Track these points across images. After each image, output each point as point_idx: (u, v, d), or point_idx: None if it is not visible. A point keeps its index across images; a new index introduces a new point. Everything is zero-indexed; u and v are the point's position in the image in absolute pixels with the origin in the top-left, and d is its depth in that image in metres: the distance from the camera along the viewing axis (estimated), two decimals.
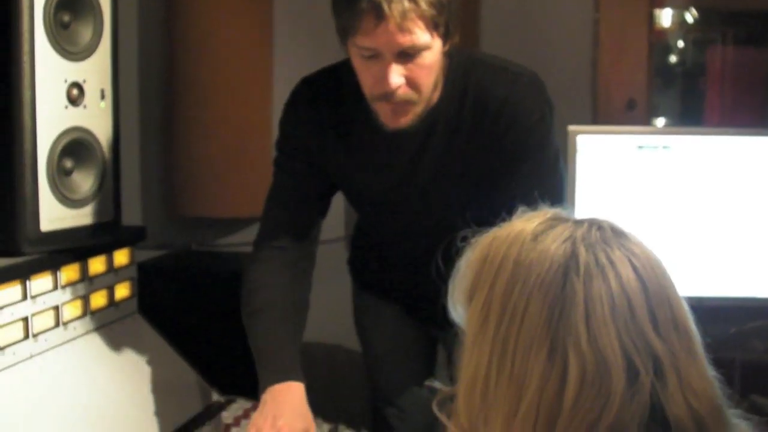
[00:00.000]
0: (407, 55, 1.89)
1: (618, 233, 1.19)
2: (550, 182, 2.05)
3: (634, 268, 1.14)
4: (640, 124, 3.22)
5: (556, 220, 1.21)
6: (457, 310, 1.26)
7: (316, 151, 2.16)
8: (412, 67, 1.91)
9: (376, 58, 1.90)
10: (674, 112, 3.58)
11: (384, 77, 1.90)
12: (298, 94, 2.19)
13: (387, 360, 2.52)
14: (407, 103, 1.95)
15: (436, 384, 1.35)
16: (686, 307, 1.18)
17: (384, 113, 1.98)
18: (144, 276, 2.57)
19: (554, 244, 1.16)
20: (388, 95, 1.92)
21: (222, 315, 3.05)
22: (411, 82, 1.93)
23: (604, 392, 1.09)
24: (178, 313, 2.82)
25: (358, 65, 1.96)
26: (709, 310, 1.23)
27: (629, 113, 3.31)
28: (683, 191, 2.62)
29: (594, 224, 1.19)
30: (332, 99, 2.14)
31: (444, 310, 1.32)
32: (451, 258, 1.31)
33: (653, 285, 1.14)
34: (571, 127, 2.62)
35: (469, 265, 1.23)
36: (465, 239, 1.27)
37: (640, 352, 1.10)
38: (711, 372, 1.18)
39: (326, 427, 2.33)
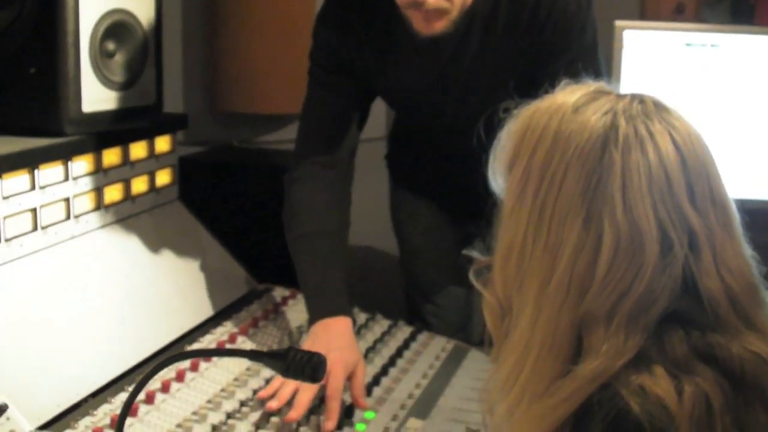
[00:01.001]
0: None
1: (660, 107, 1.18)
2: (590, 71, 2.02)
3: (674, 142, 1.14)
4: None
5: (599, 93, 1.21)
6: (497, 180, 1.27)
7: (350, 60, 2.14)
8: None
9: None
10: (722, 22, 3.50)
11: None
12: (329, 4, 2.16)
13: (422, 254, 2.53)
14: (439, 11, 1.91)
15: (474, 253, 1.35)
16: (725, 184, 1.17)
17: (416, 21, 1.94)
18: (185, 170, 2.58)
19: (595, 115, 1.16)
20: (418, 3, 1.88)
21: (262, 208, 3.07)
22: None
23: (636, 262, 1.10)
24: (218, 206, 2.83)
25: None
26: (751, 213, 1.22)
27: (677, 16, 3.25)
28: (730, 91, 2.57)
29: (636, 98, 1.19)
30: (364, 6, 2.10)
31: (480, 201, 1.32)
32: (493, 129, 1.31)
33: (692, 159, 1.14)
34: (618, 22, 2.57)
35: (510, 136, 1.24)
36: (507, 110, 1.27)
37: (675, 224, 1.11)
38: (748, 251, 1.19)
39: (363, 316, 2.35)
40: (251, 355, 1.43)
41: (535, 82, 1.35)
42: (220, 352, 2.06)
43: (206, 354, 2.01)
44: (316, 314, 2.05)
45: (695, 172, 1.14)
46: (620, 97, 1.19)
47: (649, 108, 1.17)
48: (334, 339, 1.97)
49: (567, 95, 1.21)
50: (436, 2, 1.89)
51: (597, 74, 2.02)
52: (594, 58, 2.06)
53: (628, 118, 1.15)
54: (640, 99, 1.18)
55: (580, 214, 1.13)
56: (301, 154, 2.20)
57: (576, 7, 2.00)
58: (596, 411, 1.08)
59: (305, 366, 1.38)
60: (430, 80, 2.13)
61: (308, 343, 1.98)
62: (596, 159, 1.13)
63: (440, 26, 1.93)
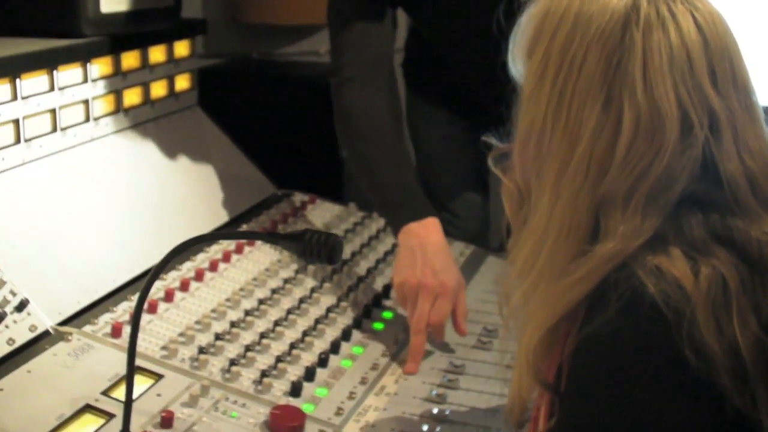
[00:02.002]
0: None
1: None
2: None
3: (696, 22, 1.13)
4: None
5: None
6: (516, 66, 1.26)
7: None
8: None
9: None
10: None
11: None
12: None
13: (440, 161, 2.52)
14: None
15: (493, 140, 1.35)
16: (748, 68, 1.16)
17: None
18: (204, 81, 2.56)
19: (614, 5, 1.14)
20: None
21: (281, 119, 3.07)
22: None
23: (656, 143, 1.10)
24: (237, 115, 2.81)
25: None
26: None
27: None
28: None
29: None
30: None
31: (499, 105, 1.32)
32: (512, 14, 1.29)
33: (714, 40, 1.13)
34: None
35: (530, 20, 1.23)
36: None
37: (696, 105, 1.10)
38: None
39: (382, 221, 2.36)
40: (267, 237, 1.43)
41: None
42: (237, 234, 2.06)
43: (223, 237, 2.01)
44: (399, 220, 1.97)
45: (717, 53, 1.13)
46: None
47: None
48: (433, 257, 1.89)
49: None
50: None
51: None
52: None
53: None
54: None
55: (600, 97, 1.12)
56: (343, 54, 2.11)
57: None
58: (612, 291, 1.08)
59: (322, 247, 1.37)
60: None
61: (403, 261, 1.91)
62: (617, 40, 1.12)
63: None
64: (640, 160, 1.10)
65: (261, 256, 2.06)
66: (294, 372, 1.70)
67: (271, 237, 1.42)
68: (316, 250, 1.37)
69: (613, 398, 1.08)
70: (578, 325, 1.14)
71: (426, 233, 1.94)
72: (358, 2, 2.10)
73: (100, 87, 2.12)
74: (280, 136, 2.83)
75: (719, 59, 1.13)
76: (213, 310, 1.82)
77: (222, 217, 2.24)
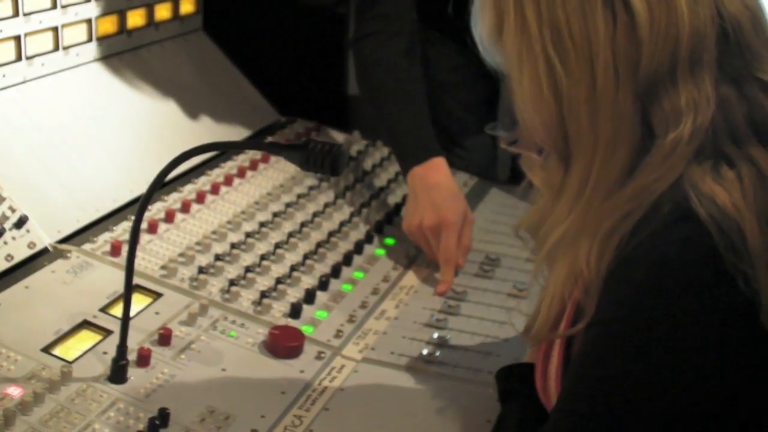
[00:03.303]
0: None
1: None
2: None
3: None
4: None
5: None
6: (492, 52, 1.23)
7: None
8: None
9: None
10: None
11: None
12: None
13: (448, 91, 2.48)
14: None
15: (498, 131, 1.34)
16: None
17: None
18: (209, 4, 2.52)
19: None
20: None
21: (287, 45, 3.03)
22: None
23: (671, 7, 1.09)
24: (242, 40, 2.78)
25: None
26: None
27: None
28: None
29: None
30: None
31: None
32: (464, 8, 1.29)
33: None
34: None
35: (484, 0, 1.20)
36: None
37: None
38: None
39: (386, 149, 2.34)
40: (269, 147, 1.41)
41: None
42: (239, 144, 2.05)
43: (224, 147, 1.99)
44: (406, 164, 1.99)
45: None
46: None
47: None
48: (435, 193, 1.92)
49: None
50: None
51: None
52: None
53: None
54: None
55: (597, 0, 1.10)
56: (365, 12, 2.13)
57: None
58: (665, 204, 1.08)
59: (325, 157, 1.35)
60: None
61: (411, 203, 1.94)
62: None
63: None
64: (666, 27, 1.09)
65: (263, 180, 2.05)
66: (294, 294, 1.69)
67: (274, 147, 1.40)
68: (319, 159, 1.35)
69: (652, 319, 1.06)
70: (616, 247, 1.12)
71: (430, 174, 1.95)
72: None
73: (104, 6, 2.08)
74: (285, 63, 2.80)
75: None
76: (213, 232, 1.81)
77: None
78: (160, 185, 1.38)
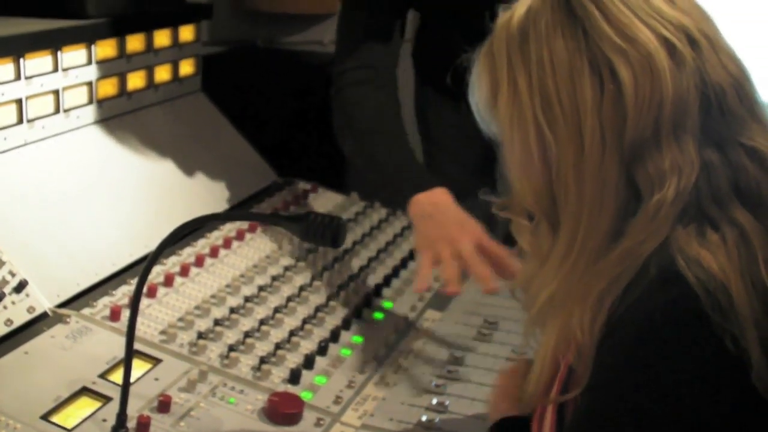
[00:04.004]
0: None
1: None
2: None
3: None
4: None
5: None
6: (488, 122, 1.29)
7: None
8: None
9: None
10: None
11: None
12: None
13: (446, 150, 2.51)
14: None
15: (492, 198, 1.38)
16: None
17: None
18: (208, 68, 2.54)
19: (546, 2, 1.20)
20: None
21: (284, 107, 3.06)
22: None
23: (655, 73, 1.13)
24: (241, 102, 2.80)
25: None
26: None
27: None
28: None
29: None
30: None
31: None
32: (461, 79, 1.33)
33: None
34: None
35: (479, 71, 1.27)
36: (468, 60, 1.31)
37: (667, 27, 1.14)
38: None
39: (384, 211, 2.35)
40: (270, 218, 1.42)
41: None
42: (239, 216, 2.05)
43: (225, 219, 1.99)
44: (406, 194, 1.95)
45: None
46: None
47: None
48: (452, 213, 1.89)
49: (509, 11, 1.24)
50: None
51: None
52: None
53: None
54: None
55: (584, 69, 1.14)
56: (345, 65, 2.14)
57: None
58: (651, 268, 1.11)
59: (326, 229, 1.36)
60: None
61: (422, 230, 1.88)
62: (570, 17, 1.16)
63: None
64: (651, 94, 1.12)
65: (262, 243, 2.05)
66: (293, 359, 1.69)
67: (274, 218, 1.41)
68: (319, 231, 1.36)
69: (643, 383, 1.08)
70: (607, 311, 1.15)
71: (437, 199, 1.93)
72: (369, 15, 2.11)
73: (104, 69, 2.10)
74: (282, 124, 2.82)
75: None
76: (213, 296, 1.81)
77: (223, 204, 2.22)
78: (158, 257, 1.37)
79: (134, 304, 1.34)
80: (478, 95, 1.28)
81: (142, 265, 1.81)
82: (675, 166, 1.12)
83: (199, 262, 1.91)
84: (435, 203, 1.92)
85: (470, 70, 1.31)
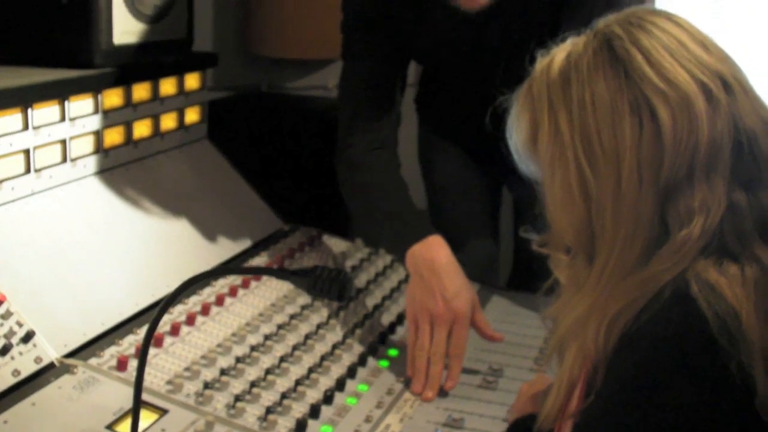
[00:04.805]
0: None
1: (635, 9, 1.27)
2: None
3: (668, 18, 1.24)
4: None
5: (575, 37, 1.29)
6: (526, 162, 1.33)
7: (384, 18, 2.11)
8: None
9: None
10: None
11: None
12: None
13: (451, 194, 2.52)
14: None
15: (532, 235, 1.41)
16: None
17: None
18: (214, 114, 2.56)
19: (587, 41, 1.25)
20: None
21: (290, 153, 3.07)
22: None
23: (692, 115, 1.17)
24: (246, 148, 2.83)
25: None
26: None
27: None
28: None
29: (610, 16, 1.28)
30: None
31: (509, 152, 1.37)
32: (500, 120, 1.37)
33: (690, 27, 1.24)
34: None
35: (519, 112, 1.31)
36: (507, 99, 1.35)
37: (705, 72, 1.19)
38: None
39: (388, 258, 2.36)
40: (277, 272, 1.43)
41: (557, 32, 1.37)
42: (246, 270, 2.06)
43: (232, 272, 2.01)
44: (403, 244, 1.97)
45: (698, 34, 1.23)
46: (595, 25, 1.28)
47: (628, 13, 1.26)
48: (442, 278, 1.91)
49: (549, 55, 1.29)
50: None
51: None
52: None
53: (618, 23, 1.24)
54: (614, 15, 1.28)
55: (625, 108, 1.19)
56: (349, 130, 2.17)
57: None
58: (668, 294, 1.15)
59: (332, 283, 1.38)
60: (466, 38, 2.11)
61: (414, 290, 1.92)
62: (612, 59, 1.21)
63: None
64: (688, 135, 1.17)
65: (267, 291, 2.06)
66: (299, 409, 1.69)
67: (281, 273, 1.42)
68: (326, 286, 1.38)
69: (644, 400, 1.11)
70: (622, 328, 1.19)
71: (431, 254, 1.95)
72: (369, 69, 2.14)
73: (111, 118, 2.12)
74: (288, 170, 2.84)
75: (702, 37, 1.23)
76: (219, 345, 1.82)
77: (229, 251, 2.23)
78: (164, 312, 1.38)
79: (142, 358, 1.34)
80: (516, 136, 1.32)
81: (149, 314, 1.84)
82: (704, 206, 1.17)
83: (205, 311, 1.92)
84: (429, 259, 1.94)
85: (508, 111, 1.35)
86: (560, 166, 1.24)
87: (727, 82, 1.19)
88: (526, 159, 1.32)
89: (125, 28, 2.11)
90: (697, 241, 1.16)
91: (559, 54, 1.27)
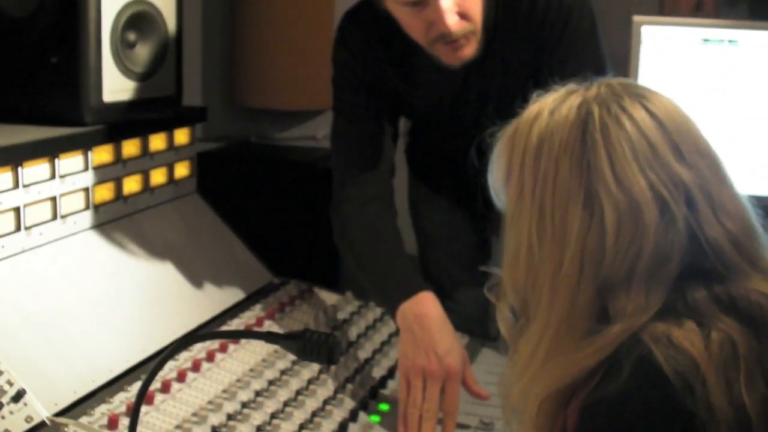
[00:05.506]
0: None
1: (627, 85, 1.26)
2: (591, 61, 2.02)
3: (647, 110, 1.22)
4: None
5: (569, 92, 1.28)
6: (499, 198, 1.34)
7: (373, 80, 2.15)
8: (459, 1, 1.88)
9: (421, 4, 1.87)
10: (741, 18, 3.48)
11: (438, 19, 1.87)
12: (345, 29, 2.17)
13: (441, 246, 2.53)
14: (466, 36, 1.92)
15: (492, 269, 1.41)
16: (708, 138, 1.25)
17: (445, 54, 1.95)
18: (203, 165, 2.58)
19: (570, 110, 1.24)
20: (446, 36, 1.89)
21: (279, 204, 3.08)
22: (463, 15, 1.90)
23: (640, 226, 1.17)
24: (236, 200, 2.84)
25: (404, 16, 1.93)
26: None
27: (696, 13, 3.24)
28: (748, 87, 2.55)
29: (603, 83, 1.27)
30: (381, 30, 2.09)
31: (490, 203, 1.39)
32: (484, 155, 1.38)
33: (670, 121, 1.22)
34: (636, 18, 2.55)
35: (499, 155, 1.32)
36: (492, 135, 1.35)
37: (666, 183, 1.18)
38: (742, 194, 1.25)
39: (379, 310, 2.36)
40: (267, 336, 1.44)
41: (541, 79, 1.39)
42: (236, 333, 2.07)
43: (222, 336, 2.01)
44: (394, 301, 1.97)
45: (676, 131, 1.21)
46: (588, 88, 1.27)
47: (616, 89, 1.25)
48: (436, 336, 1.91)
49: (540, 104, 1.29)
50: (462, 27, 1.90)
51: (599, 65, 2.03)
52: (595, 48, 2.07)
53: (599, 102, 1.23)
54: (607, 84, 1.27)
55: (579, 199, 1.19)
56: (343, 184, 2.18)
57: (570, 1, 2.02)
58: (622, 361, 1.14)
59: (321, 347, 1.39)
60: (452, 94, 2.14)
61: (406, 346, 1.91)
62: (580, 146, 1.21)
63: (469, 52, 1.95)
64: (630, 244, 1.17)
65: (258, 347, 2.06)
66: None
67: (271, 337, 1.43)
68: (315, 349, 1.39)
69: None
70: (584, 395, 1.19)
71: (422, 310, 1.95)
72: (360, 126, 2.16)
73: (101, 174, 2.13)
74: (277, 222, 2.85)
75: (679, 135, 1.21)
76: (209, 402, 1.82)
77: (219, 306, 2.23)
78: (155, 375, 1.38)
79: (133, 419, 1.34)
80: (495, 172, 1.33)
81: (140, 371, 1.84)
82: (638, 310, 1.17)
83: (196, 367, 1.91)
84: (420, 315, 1.94)
85: (491, 147, 1.35)
86: (516, 224, 1.26)
87: (691, 196, 1.19)
88: (500, 195, 1.33)
89: (115, 86, 2.13)
90: (618, 338, 1.16)
91: (546, 109, 1.27)
